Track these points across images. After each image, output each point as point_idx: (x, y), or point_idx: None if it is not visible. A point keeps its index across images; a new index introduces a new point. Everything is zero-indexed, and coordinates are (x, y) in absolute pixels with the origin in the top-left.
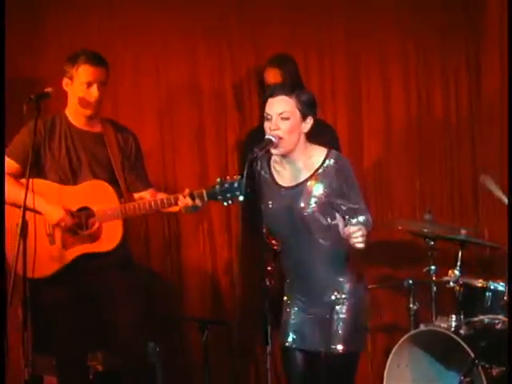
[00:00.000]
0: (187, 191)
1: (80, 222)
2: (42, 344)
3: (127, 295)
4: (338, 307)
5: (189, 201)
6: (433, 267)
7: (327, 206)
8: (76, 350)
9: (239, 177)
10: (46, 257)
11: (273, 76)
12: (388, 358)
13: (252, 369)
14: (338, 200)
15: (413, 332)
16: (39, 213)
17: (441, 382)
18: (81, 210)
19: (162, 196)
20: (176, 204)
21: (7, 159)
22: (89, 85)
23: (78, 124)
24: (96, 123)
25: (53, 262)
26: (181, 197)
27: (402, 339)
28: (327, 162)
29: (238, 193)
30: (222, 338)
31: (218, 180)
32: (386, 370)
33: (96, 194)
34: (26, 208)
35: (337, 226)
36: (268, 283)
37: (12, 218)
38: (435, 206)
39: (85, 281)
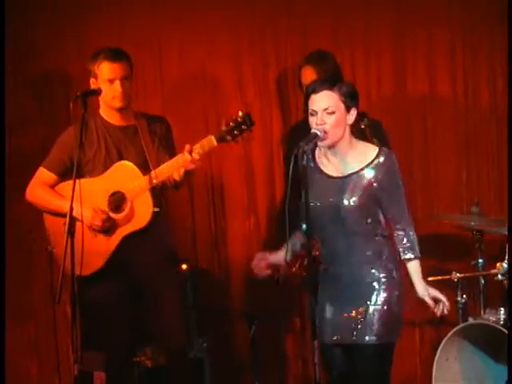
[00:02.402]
0: (188, 147)
1: (115, 207)
2: (91, 340)
3: (171, 289)
4: (372, 299)
5: (188, 156)
6: (480, 260)
7: (371, 202)
8: (124, 346)
9: (242, 113)
10: (93, 252)
11: (308, 75)
12: (436, 351)
13: (300, 363)
14: (384, 200)
15: (461, 325)
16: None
17: (490, 375)
18: (113, 194)
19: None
20: (184, 162)
21: (45, 171)
22: (111, 81)
23: (112, 121)
24: (130, 117)
25: (99, 256)
26: (187, 153)
27: (451, 333)
28: (377, 159)
29: (243, 126)
30: (269, 332)
31: (222, 121)
32: (435, 364)
33: (122, 176)
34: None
35: (376, 222)
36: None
37: (55, 222)
38: (482, 198)
39: (130, 275)
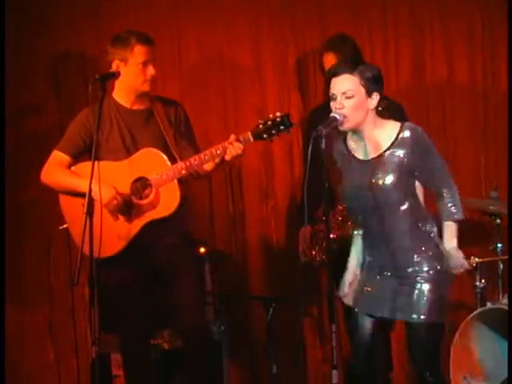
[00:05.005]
0: (233, 137)
1: (138, 193)
2: (108, 322)
3: (189, 272)
4: (420, 278)
5: (239, 145)
6: (499, 245)
7: (405, 178)
8: (141, 329)
9: (280, 113)
10: (113, 235)
11: (330, 61)
12: (454, 335)
13: (317, 346)
14: (417, 173)
15: (479, 310)
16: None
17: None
18: (137, 180)
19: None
20: (225, 152)
21: (59, 153)
22: (145, 64)
23: (127, 104)
24: (145, 101)
25: (119, 240)
26: (229, 144)
27: (469, 317)
28: (401, 134)
29: (282, 127)
30: (287, 315)
31: (260, 120)
32: (453, 348)
33: (148, 162)
34: (82, 192)
35: (414, 198)
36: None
37: (72, 204)
38: (501, 182)
39: (149, 258)
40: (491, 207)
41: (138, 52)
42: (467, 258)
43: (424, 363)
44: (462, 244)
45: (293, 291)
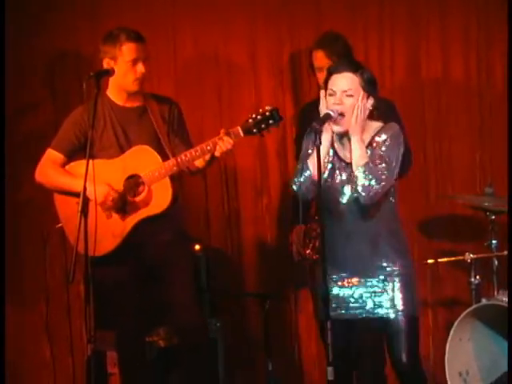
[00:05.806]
0: (223, 131)
1: (131, 190)
2: (104, 320)
3: (184, 269)
4: (388, 278)
5: (229, 140)
6: (494, 241)
7: None
8: (137, 326)
9: (269, 107)
10: (107, 233)
11: (319, 59)
12: (449, 332)
13: (313, 343)
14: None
15: (474, 306)
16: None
17: (503, 355)
18: (130, 177)
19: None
20: (214, 148)
21: (53, 152)
22: (134, 62)
23: (120, 102)
24: (138, 98)
25: (114, 238)
26: (219, 139)
27: (464, 313)
28: (377, 137)
29: (271, 121)
30: (282, 312)
31: (250, 115)
32: (448, 344)
33: (140, 160)
34: (76, 192)
35: (386, 203)
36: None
37: (67, 203)
38: (496, 179)
39: (144, 255)
40: (486, 203)
41: (127, 50)
42: (462, 254)
43: (400, 355)
44: (457, 240)
45: (288, 288)
